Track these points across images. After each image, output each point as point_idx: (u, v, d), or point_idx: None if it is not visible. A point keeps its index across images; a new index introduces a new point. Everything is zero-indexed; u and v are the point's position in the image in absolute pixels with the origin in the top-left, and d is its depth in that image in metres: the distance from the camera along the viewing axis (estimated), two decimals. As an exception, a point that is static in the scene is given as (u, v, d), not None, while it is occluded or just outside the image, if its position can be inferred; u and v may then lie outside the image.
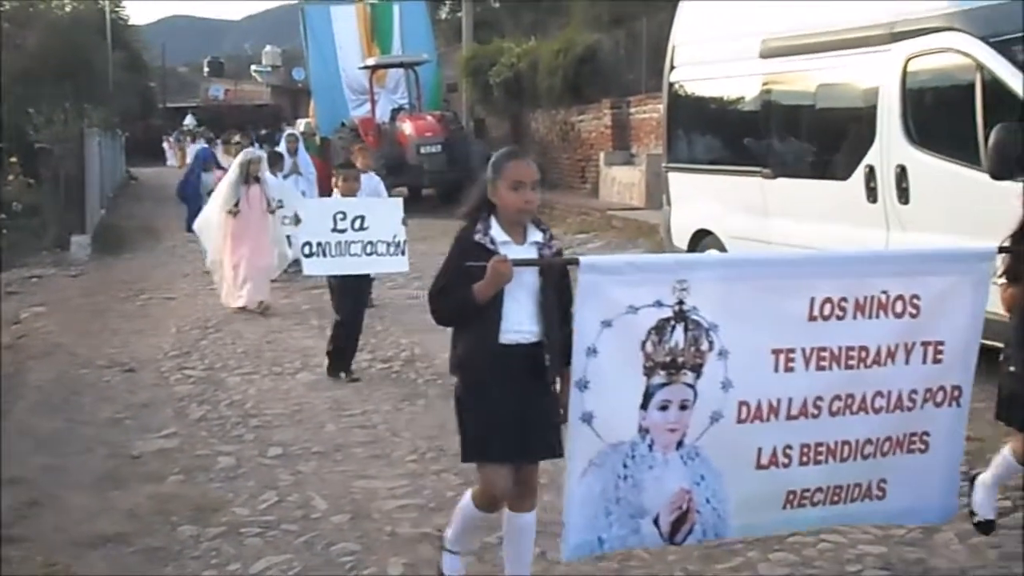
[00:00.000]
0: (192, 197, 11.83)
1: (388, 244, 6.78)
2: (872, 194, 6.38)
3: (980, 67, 5.66)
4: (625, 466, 2.96)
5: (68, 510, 4.57)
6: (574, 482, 2.95)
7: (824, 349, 3.05)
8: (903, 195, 6.16)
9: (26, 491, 4.74)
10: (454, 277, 3.17)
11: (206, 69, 58.48)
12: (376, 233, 6.72)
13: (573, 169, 18.81)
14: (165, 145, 40.32)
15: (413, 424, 5.78)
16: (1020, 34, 5.67)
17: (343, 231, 6.65)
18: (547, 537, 4.12)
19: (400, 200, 7.18)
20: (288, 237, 9.92)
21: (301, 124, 23.39)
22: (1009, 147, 5.29)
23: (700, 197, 8.34)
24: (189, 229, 12.28)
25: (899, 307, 3.09)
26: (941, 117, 6.27)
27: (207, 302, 10.01)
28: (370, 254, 6.72)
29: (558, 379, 3.22)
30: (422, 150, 18.21)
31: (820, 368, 3.05)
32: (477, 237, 3.18)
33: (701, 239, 8.28)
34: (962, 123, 5.79)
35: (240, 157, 9.61)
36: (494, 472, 3.30)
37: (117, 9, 39.50)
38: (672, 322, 2.90)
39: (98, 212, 17.44)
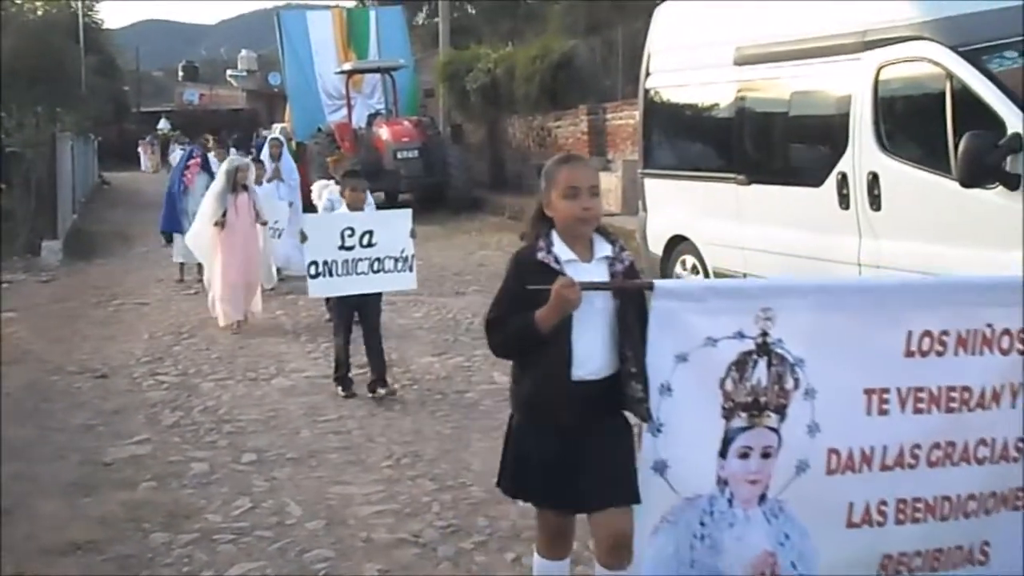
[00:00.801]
0: (175, 196, 11.54)
1: (396, 260, 6.39)
2: (844, 201, 6.44)
3: (950, 76, 5.73)
4: (702, 524, 2.63)
5: (39, 518, 4.51)
6: (644, 540, 2.64)
7: (922, 389, 2.71)
8: (875, 202, 6.23)
9: (-5, 499, 4.68)
10: (513, 302, 2.80)
11: (180, 73, 58.11)
12: (384, 249, 6.33)
13: (549, 175, 18.85)
14: (140, 150, 40.02)
15: (389, 430, 5.77)
16: (990, 44, 5.76)
17: (351, 248, 6.26)
18: (523, 543, 4.13)
19: (409, 212, 6.71)
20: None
21: (277, 129, 23.31)
22: (979, 155, 5.37)
23: (676, 203, 8.39)
24: (163, 231, 11.98)
25: (1005, 342, 2.74)
26: (912, 125, 6.34)
27: (180, 307, 9.93)
28: (377, 271, 6.34)
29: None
30: (399, 155, 18.19)
31: (917, 411, 2.71)
32: (539, 255, 2.81)
33: (676, 245, 8.33)
34: (933, 131, 5.86)
35: (225, 165, 9.04)
36: (548, 515, 3.02)
37: (90, 12, 39.22)
38: (754, 356, 2.59)
39: (70, 217, 17.28)
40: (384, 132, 18.81)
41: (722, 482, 2.62)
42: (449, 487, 4.80)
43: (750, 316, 2.58)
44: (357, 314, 6.55)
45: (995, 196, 5.43)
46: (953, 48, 5.77)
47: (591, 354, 2.78)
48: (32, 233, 13.94)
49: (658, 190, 8.68)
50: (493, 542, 4.16)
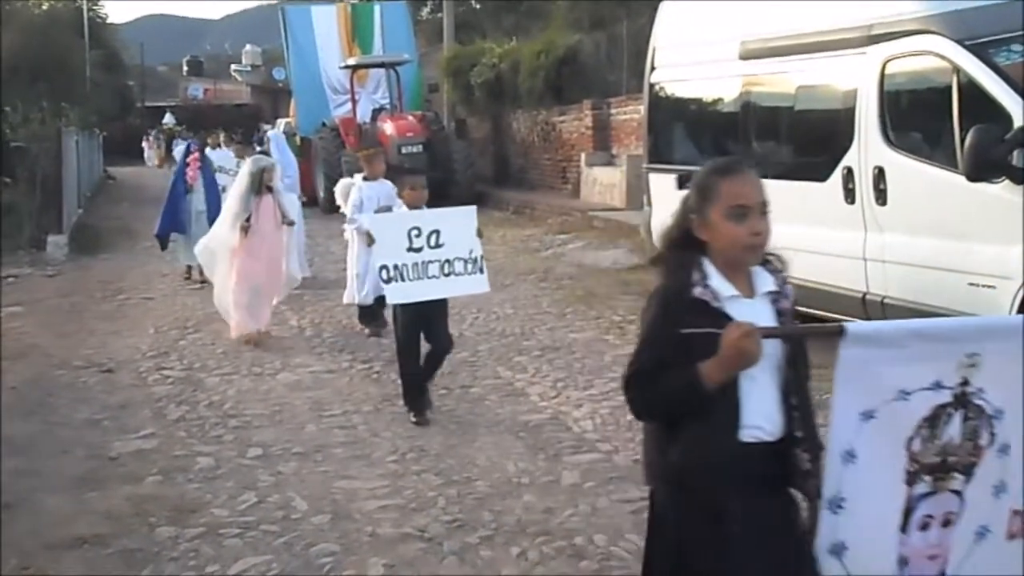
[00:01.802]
0: (179, 197, 10.92)
1: (465, 261, 5.87)
2: (850, 195, 6.43)
3: (957, 70, 5.71)
4: None
5: (44, 512, 4.53)
6: None
7: None
8: (881, 196, 6.21)
9: None
10: (662, 350, 2.28)
11: (185, 68, 58.21)
12: (452, 250, 5.83)
13: (554, 170, 18.84)
14: (145, 144, 40.03)
15: (394, 424, 5.77)
16: (996, 37, 5.73)
17: (419, 249, 5.75)
18: (529, 538, 4.14)
19: (474, 209, 6.26)
20: None
21: (281, 124, 23.32)
22: (985, 149, 5.35)
23: (681, 198, 8.37)
24: (159, 236, 11.17)
25: None
26: (918, 119, 6.33)
27: (186, 302, 9.94)
28: (448, 274, 5.81)
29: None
30: (403, 150, 18.17)
31: None
32: (696, 291, 2.27)
33: (681, 240, 8.32)
34: (939, 125, 5.84)
35: (250, 165, 8.33)
36: None
37: (95, 8, 39.26)
38: (949, 409, 2.19)
39: (75, 212, 17.30)
40: (388, 127, 18.79)
41: (903, 561, 2.23)
42: (454, 482, 4.80)
43: (952, 362, 2.19)
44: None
45: (1001, 190, 5.41)
46: (959, 42, 5.74)
47: (762, 410, 2.28)
48: (38, 228, 13.96)
49: (663, 185, 8.66)
50: (499, 536, 4.16)
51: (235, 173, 11.47)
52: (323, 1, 23.74)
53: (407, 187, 6.06)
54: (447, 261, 5.83)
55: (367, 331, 8.08)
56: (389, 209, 6.45)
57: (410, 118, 19.16)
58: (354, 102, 20.37)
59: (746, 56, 7.51)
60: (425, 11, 32.51)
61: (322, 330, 8.52)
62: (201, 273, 10.55)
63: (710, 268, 2.31)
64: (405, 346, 5.92)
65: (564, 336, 7.89)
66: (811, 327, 2.43)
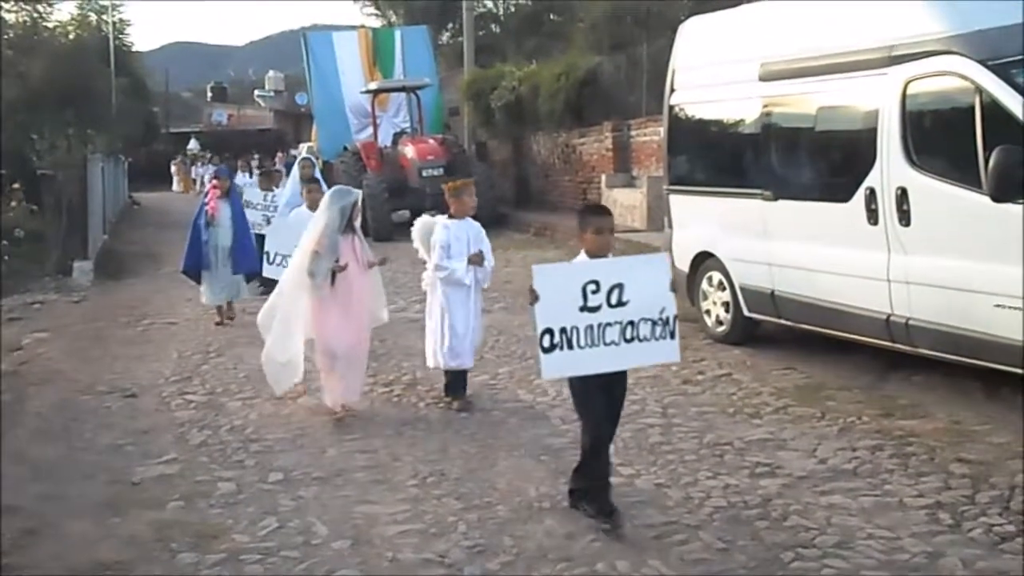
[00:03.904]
0: (200, 229, 10.09)
1: (654, 323, 4.61)
2: (873, 216, 6.39)
3: (979, 90, 5.68)
4: None
5: (67, 538, 4.54)
6: None
7: None
8: (904, 217, 6.17)
9: (23, 519, 4.71)
10: None
11: (209, 94, 58.81)
12: (638, 308, 4.60)
13: (574, 191, 18.88)
14: (173, 170, 40.49)
15: (414, 448, 5.76)
16: (1019, 57, 5.70)
17: (595, 309, 4.54)
18: (550, 564, 4.10)
19: (664, 257, 5.03)
20: None
21: (303, 148, 23.52)
22: (1010, 169, 5.31)
23: (701, 219, 8.36)
24: (186, 271, 10.36)
25: None
26: (941, 140, 6.29)
27: (208, 327, 9.99)
28: (631, 339, 4.57)
29: None
30: (424, 173, 18.27)
31: None
32: None
33: (703, 261, 8.29)
34: (962, 146, 5.80)
35: (335, 199, 6.58)
36: None
37: (120, 36, 39.80)
38: None
39: (101, 237, 17.48)
40: (409, 150, 18.92)
41: None
42: (475, 506, 4.77)
43: None
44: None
45: (1027, 211, 5.36)
46: (982, 62, 5.72)
47: None
48: (63, 254, 14.10)
49: (684, 207, 8.65)
50: (520, 562, 4.13)
51: (263, 208, 11.42)
52: (345, 27, 24.01)
53: (591, 229, 4.76)
54: (631, 323, 4.60)
55: (454, 404, 6.60)
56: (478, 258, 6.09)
57: (431, 141, 19.28)
58: (375, 126, 20.53)
59: (767, 77, 7.51)
60: (446, 35, 32.77)
61: (343, 354, 8.52)
62: (221, 312, 10.18)
63: None
64: (586, 417, 4.72)
65: (585, 359, 7.85)
66: None
